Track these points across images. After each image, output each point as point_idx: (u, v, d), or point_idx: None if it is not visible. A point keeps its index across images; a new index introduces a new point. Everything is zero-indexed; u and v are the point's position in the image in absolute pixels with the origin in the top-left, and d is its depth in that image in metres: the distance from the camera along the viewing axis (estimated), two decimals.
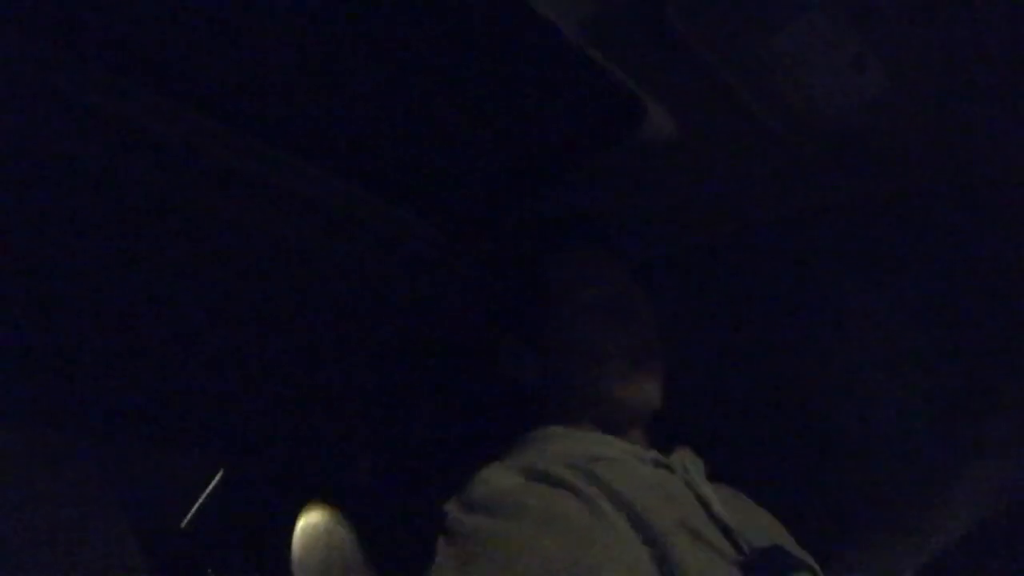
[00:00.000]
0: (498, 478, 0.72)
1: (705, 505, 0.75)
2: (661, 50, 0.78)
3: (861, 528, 0.93)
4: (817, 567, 0.77)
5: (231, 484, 0.98)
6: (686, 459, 0.83)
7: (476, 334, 0.99)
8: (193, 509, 0.95)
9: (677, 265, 1.08)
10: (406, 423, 1.01)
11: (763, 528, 0.79)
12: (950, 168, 0.88)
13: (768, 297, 1.02)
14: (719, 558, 0.68)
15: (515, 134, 0.91)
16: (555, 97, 0.87)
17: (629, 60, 0.79)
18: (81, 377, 0.93)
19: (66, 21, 0.72)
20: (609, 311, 0.85)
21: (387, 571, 0.86)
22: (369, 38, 0.80)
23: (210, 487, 0.96)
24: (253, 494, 0.99)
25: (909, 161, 0.87)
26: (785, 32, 0.77)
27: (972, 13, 0.73)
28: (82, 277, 0.91)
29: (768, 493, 0.86)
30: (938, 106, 0.80)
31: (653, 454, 0.81)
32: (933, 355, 0.93)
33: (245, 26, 0.76)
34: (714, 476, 0.84)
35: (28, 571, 0.82)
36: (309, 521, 0.93)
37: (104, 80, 0.77)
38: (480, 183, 0.96)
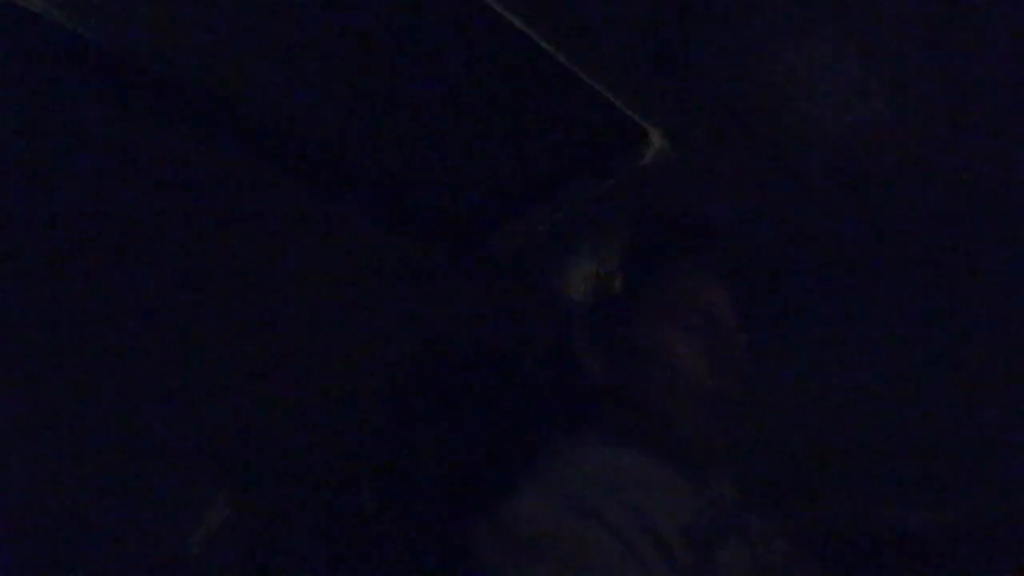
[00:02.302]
0: (530, 507, 0.69)
1: (745, 537, 0.74)
2: (666, 74, 0.79)
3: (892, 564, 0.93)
4: None
5: (239, 511, 0.97)
6: (725, 487, 0.81)
7: (490, 349, 0.98)
8: (201, 535, 0.94)
9: None
10: (414, 450, 1.00)
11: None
12: (950, 189, 0.89)
13: (770, 317, 1.03)
14: None
15: (517, 159, 0.92)
16: (557, 123, 0.87)
17: (634, 84, 0.79)
18: (92, 401, 0.92)
19: (77, 48, 0.72)
20: (704, 341, 0.79)
21: None
22: (372, 63, 0.81)
23: (219, 514, 0.96)
24: (261, 522, 0.98)
25: (911, 182, 0.88)
26: (788, 57, 0.78)
27: (973, 37, 0.74)
28: (90, 287, 0.90)
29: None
30: (939, 129, 0.82)
31: (695, 484, 0.78)
32: (939, 370, 0.94)
33: (250, 41, 0.76)
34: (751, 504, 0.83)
35: None
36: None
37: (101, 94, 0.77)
38: (484, 205, 0.96)
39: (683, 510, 0.72)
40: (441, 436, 0.98)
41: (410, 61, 0.78)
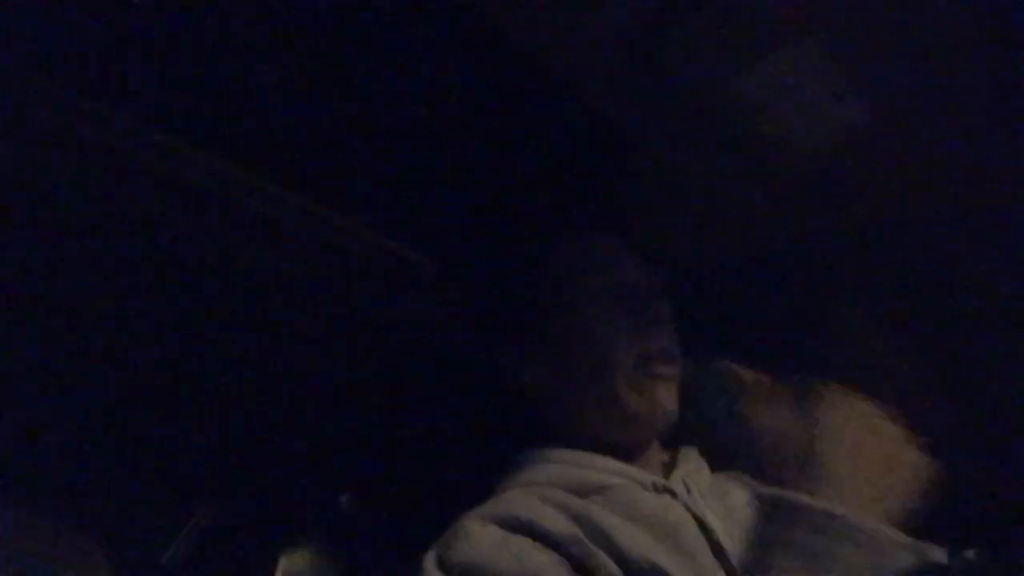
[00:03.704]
0: (476, 532, 0.68)
1: (706, 535, 0.73)
2: (648, 84, 0.80)
3: None
4: None
5: (212, 520, 0.96)
6: (689, 472, 0.79)
7: (462, 356, 0.98)
8: (173, 546, 0.93)
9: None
10: (390, 456, 1.00)
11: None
12: (926, 196, 0.90)
13: (750, 326, 1.03)
14: None
15: (507, 168, 0.93)
16: (545, 132, 0.88)
17: (618, 94, 0.80)
18: (60, 413, 0.92)
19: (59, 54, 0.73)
20: (619, 302, 0.77)
21: None
22: (363, 70, 0.82)
23: (190, 523, 0.95)
24: (234, 530, 0.97)
25: (887, 190, 0.89)
26: (766, 65, 0.79)
27: (949, 45, 0.75)
28: (68, 303, 0.90)
29: None
30: (916, 136, 0.83)
31: (654, 478, 0.77)
32: (921, 370, 0.94)
33: (249, 57, 0.77)
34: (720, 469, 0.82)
35: None
36: (291, 563, 0.91)
37: (95, 110, 0.78)
38: (471, 215, 0.97)
39: (650, 522, 0.71)
40: (414, 440, 0.98)
41: (394, 64, 0.80)
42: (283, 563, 0.87)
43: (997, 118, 0.82)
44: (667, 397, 0.78)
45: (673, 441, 0.83)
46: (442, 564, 0.67)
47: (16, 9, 0.72)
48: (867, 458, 0.63)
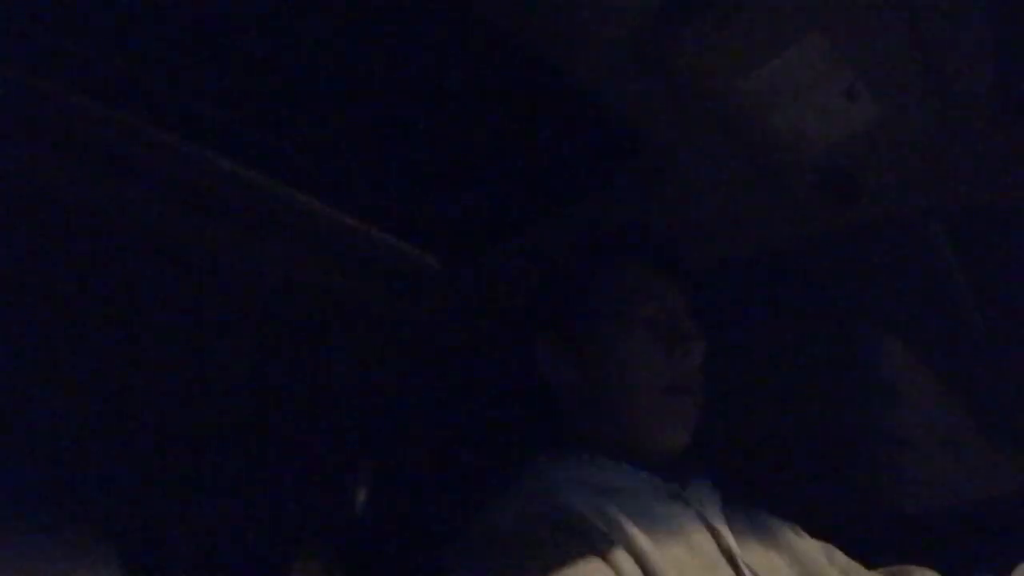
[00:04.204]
0: (505, 523, 0.70)
1: (717, 539, 0.75)
2: (658, 84, 0.79)
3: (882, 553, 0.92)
4: None
5: (227, 529, 0.96)
6: (702, 490, 0.82)
7: (476, 358, 0.98)
8: (186, 549, 0.92)
9: None
10: (404, 460, 1.00)
11: (776, 566, 0.79)
12: (935, 195, 0.90)
13: (761, 325, 1.03)
14: None
15: (513, 167, 0.92)
16: (553, 132, 0.88)
17: (627, 94, 0.80)
18: (70, 412, 0.91)
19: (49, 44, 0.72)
20: (660, 335, 0.82)
21: None
22: (364, 65, 0.81)
23: (202, 526, 0.94)
24: (250, 540, 0.97)
25: (896, 189, 0.89)
26: (776, 64, 0.78)
27: (959, 44, 0.75)
28: (72, 309, 0.89)
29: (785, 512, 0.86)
30: (928, 134, 0.82)
31: (669, 486, 0.79)
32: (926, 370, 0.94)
33: (250, 50, 0.76)
34: (730, 497, 0.84)
35: None
36: (306, 569, 0.91)
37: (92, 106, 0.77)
38: (481, 213, 0.97)
39: (665, 523, 0.73)
40: (426, 444, 0.97)
41: (401, 63, 0.79)
42: (298, 569, 0.87)
43: (1004, 116, 0.82)
44: (684, 428, 0.82)
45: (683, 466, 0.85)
46: (471, 555, 0.69)
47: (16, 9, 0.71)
48: None
